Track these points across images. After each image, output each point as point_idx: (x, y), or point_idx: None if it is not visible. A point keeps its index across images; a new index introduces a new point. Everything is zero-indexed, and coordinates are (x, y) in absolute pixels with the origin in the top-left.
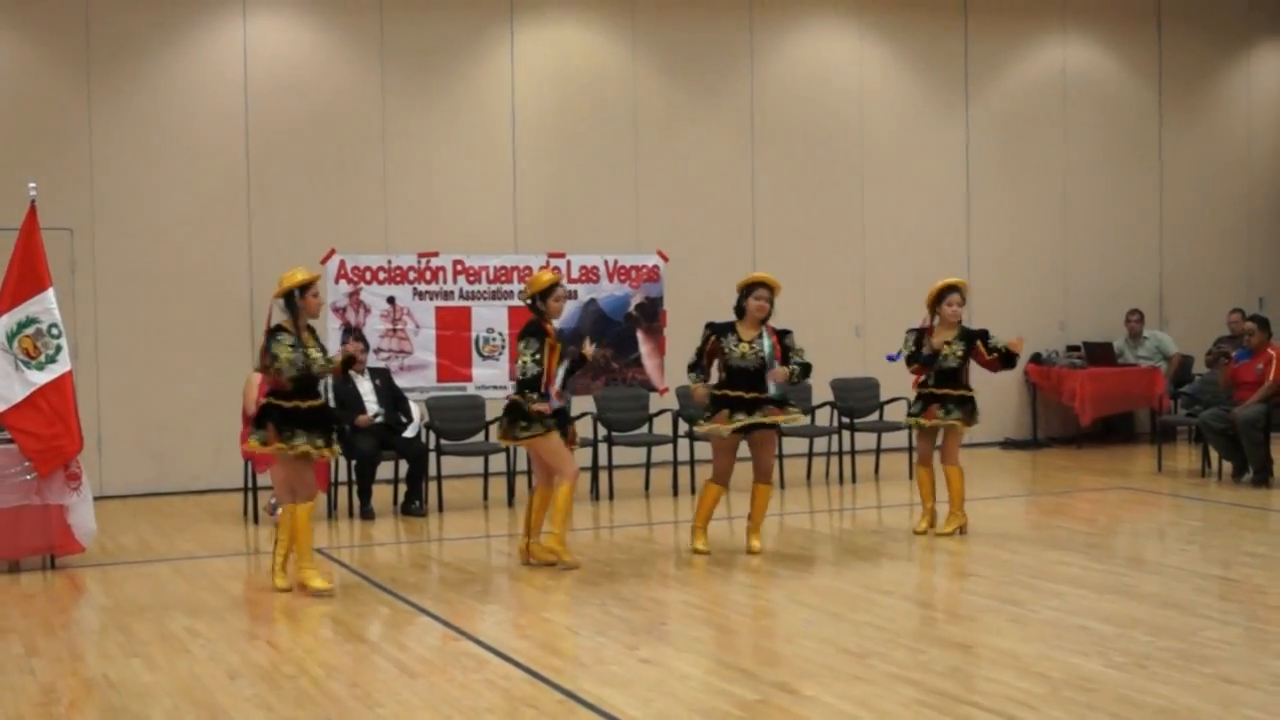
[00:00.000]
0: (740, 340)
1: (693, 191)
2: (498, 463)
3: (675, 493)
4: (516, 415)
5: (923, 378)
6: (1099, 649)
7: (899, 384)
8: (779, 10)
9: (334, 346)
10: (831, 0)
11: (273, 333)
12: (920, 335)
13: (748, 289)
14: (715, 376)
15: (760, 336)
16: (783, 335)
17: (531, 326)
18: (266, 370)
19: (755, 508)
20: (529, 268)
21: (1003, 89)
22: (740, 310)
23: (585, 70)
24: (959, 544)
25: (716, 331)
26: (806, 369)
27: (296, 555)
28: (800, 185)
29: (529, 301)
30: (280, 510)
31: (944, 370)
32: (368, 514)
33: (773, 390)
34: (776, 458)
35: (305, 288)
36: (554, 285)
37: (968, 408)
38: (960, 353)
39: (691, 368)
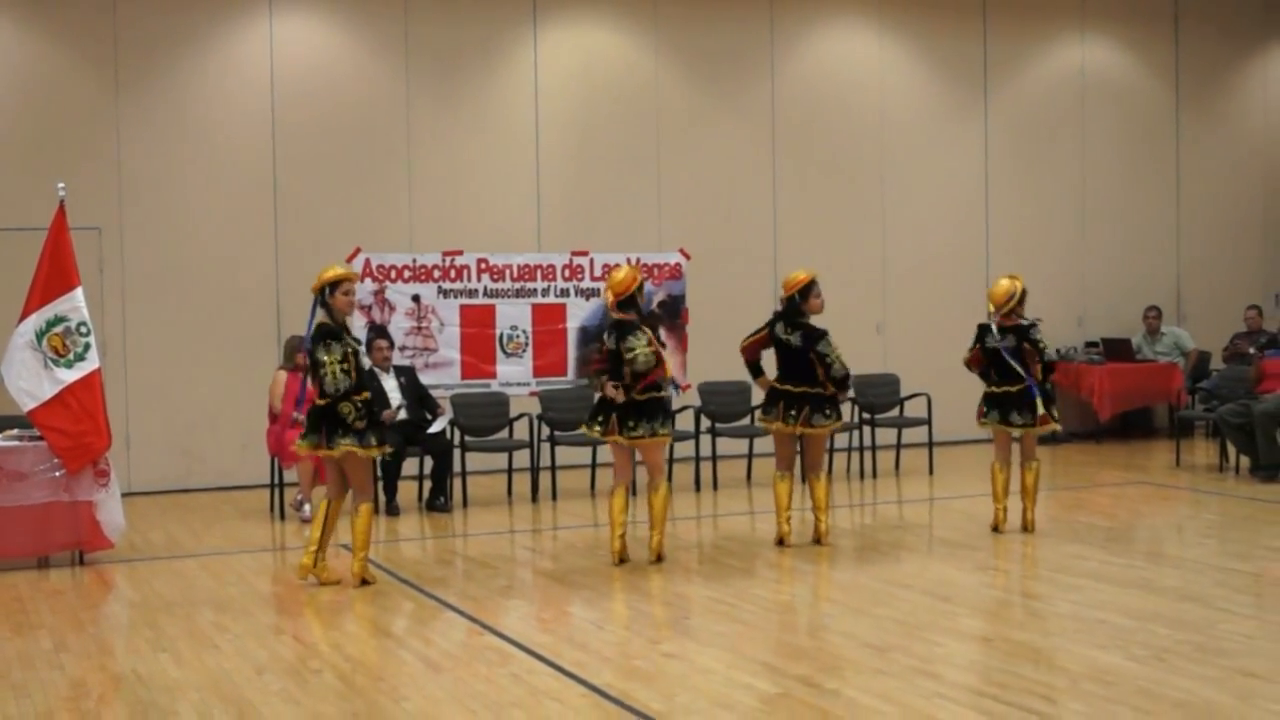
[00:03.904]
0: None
1: (714, 190)
2: (521, 459)
3: (697, 488)
4: (660, 412)
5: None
6: (1118, 642)
7: (919, 380)
8: (799, 11)
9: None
10: (851, 1)
11: (322, 338)
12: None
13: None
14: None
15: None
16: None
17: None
18: (308, 371)
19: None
20: (552, 266)
21: (1021, 89)
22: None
23: (608, 71)
24: (978, 539)
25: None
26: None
27: (356, 549)
28: (821, 184)
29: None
30: (308, 506)
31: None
32: (393, 510)
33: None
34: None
35: (336, 285)
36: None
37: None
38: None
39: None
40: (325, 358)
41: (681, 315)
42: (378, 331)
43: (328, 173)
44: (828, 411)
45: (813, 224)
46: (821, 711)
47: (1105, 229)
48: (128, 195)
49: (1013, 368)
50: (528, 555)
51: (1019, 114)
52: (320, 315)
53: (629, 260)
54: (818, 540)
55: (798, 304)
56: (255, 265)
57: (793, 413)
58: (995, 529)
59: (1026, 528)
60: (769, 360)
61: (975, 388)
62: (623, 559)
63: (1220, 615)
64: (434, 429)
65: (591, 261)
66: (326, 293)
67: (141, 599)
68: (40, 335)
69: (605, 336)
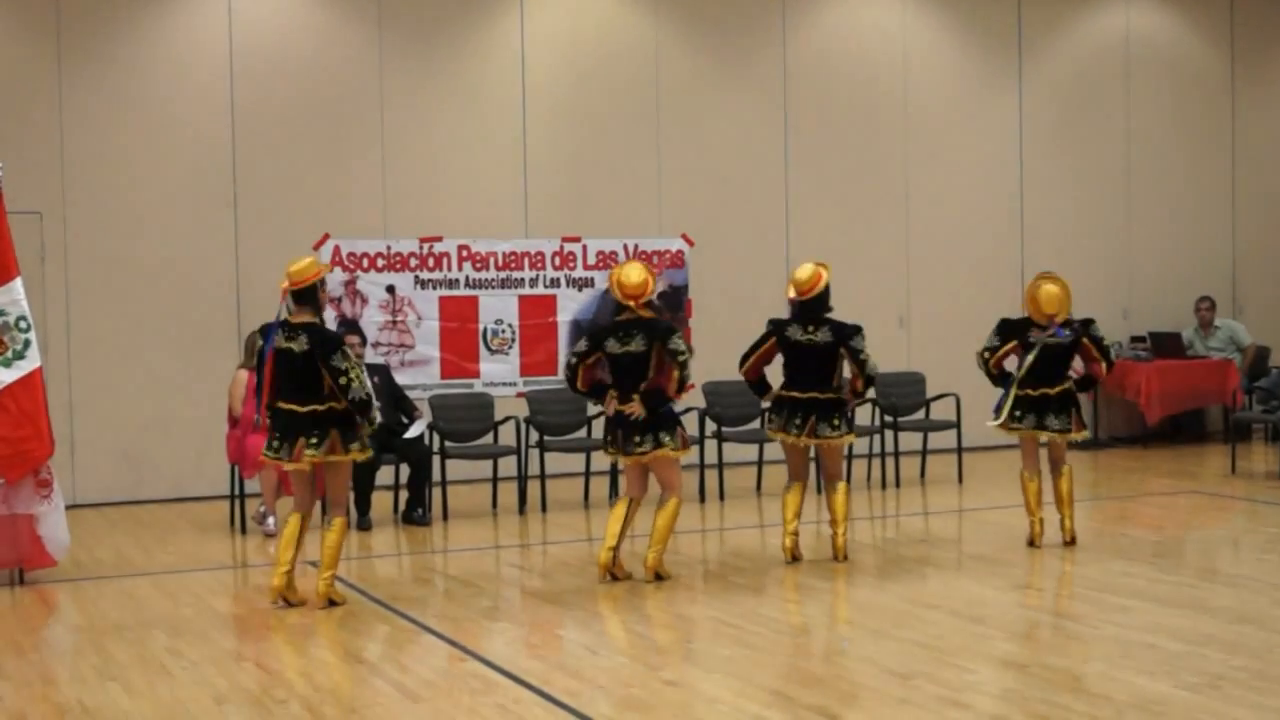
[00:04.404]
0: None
1: (720, 169)
2: (507, 467)
3: (702, 499)
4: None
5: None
6: (1167, 668)
7: (946, 379)
8: None
9: None
10: None
11: (340, 347)
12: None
13: None
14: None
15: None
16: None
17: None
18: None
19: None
20: (541, 253)
21: (1060, 56)
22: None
23: (602, 37)
24: (1012, 554)
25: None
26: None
27: (324, 566)
28: (838, 162)
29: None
30: (271, 519)
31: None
32: (365, 524)
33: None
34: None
35: (323, 281)
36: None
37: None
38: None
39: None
40: (345, 364)
41: (684, 308)
42: (349, 326)
43: (292, 152)
44: (836, 422)
45: (828, 206)
46: None
47: (1153, 211)
48: (71, 177)
49: (1055, 369)
50: (514, 573)
51: (1057, 85)
52: (306, 313)
53: (624, 247)
54: (836, 556)
55: (823, 302)
56: (212, 253)
57: (797, 421)
58: (1032, 544)
59: (1068, 540)
60: (772, 365)
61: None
62: (614, 576)
63: None
64: (411, 434)
65: (584, 248)
66: (320, 287)
67: (88, 622)
68: None
69: (606, 341)
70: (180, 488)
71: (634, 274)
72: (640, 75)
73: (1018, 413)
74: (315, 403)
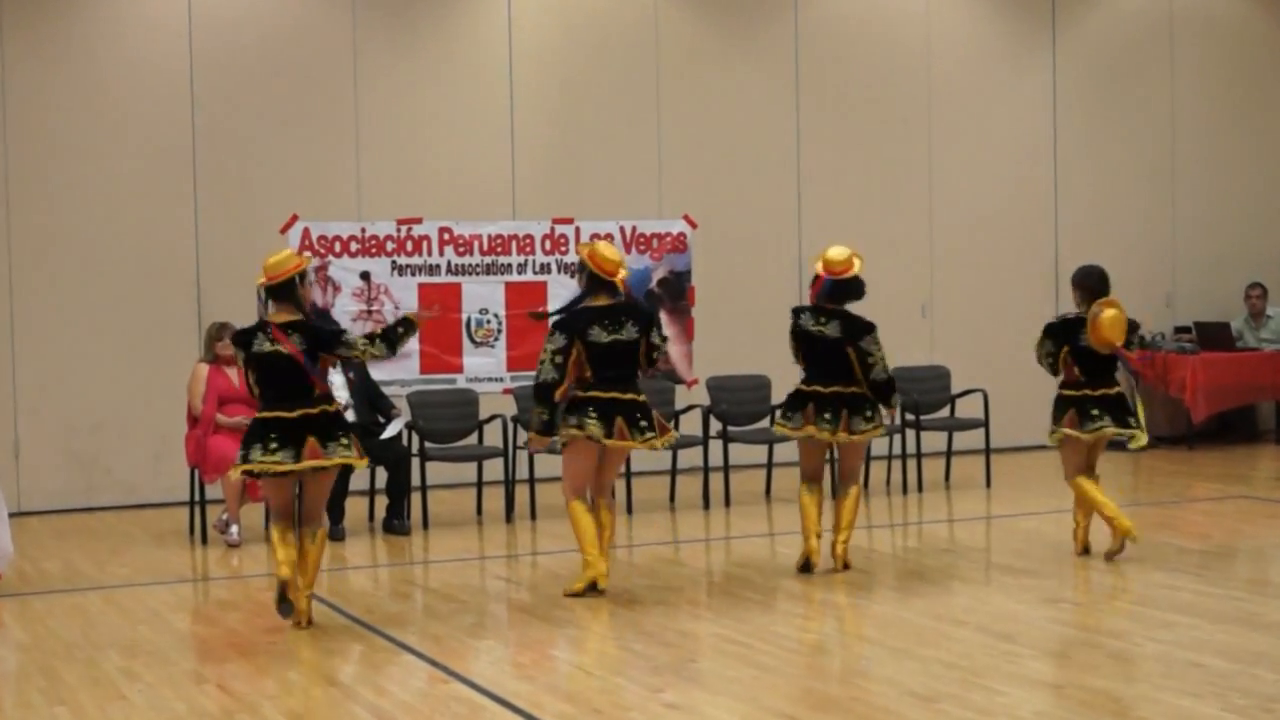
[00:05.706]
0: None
1: (726, 145)
2: (493, 470)
3: (706, 505)
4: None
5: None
6: (1215, 689)
7: (973, 374)
8: None
9: None
10: None
11: (341, 337)
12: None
13: None
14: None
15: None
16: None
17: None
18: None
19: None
20: (530, 236)
21: (1097, 22)
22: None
23: (597, 1)
24: (1045, 565)
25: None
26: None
27: (310, 583)
28: (855, 137)
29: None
30: (235, 528)
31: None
32: (338, 533)
33: None
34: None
35: (303, 276)
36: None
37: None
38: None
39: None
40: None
41: (687, 296)
42: (320, 317)
43: (257, 125)
44: (869, 414)
45: (844, 185)
46: None
47: (1199, 191)
48: (14, 150)
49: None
50: (501, 586)
51: (1094, 53)
52: (286, 312)
53: (621, 230)
54: (836, 565)
55: (844, 290)
56: (171, 235)
57: (827, 416)
58: (1112, 556)
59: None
60: (782, 357)
61: (1039, 383)
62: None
63: None
64: (388, 434)
65: (577, 231)
66: (297, 282)
67: (34, 641)
68: None
69: (589, 330)
70: (135, 493)
71: (612, 249)
72: (639, 42)
73: (1095, 411)
74: (307, 406)
